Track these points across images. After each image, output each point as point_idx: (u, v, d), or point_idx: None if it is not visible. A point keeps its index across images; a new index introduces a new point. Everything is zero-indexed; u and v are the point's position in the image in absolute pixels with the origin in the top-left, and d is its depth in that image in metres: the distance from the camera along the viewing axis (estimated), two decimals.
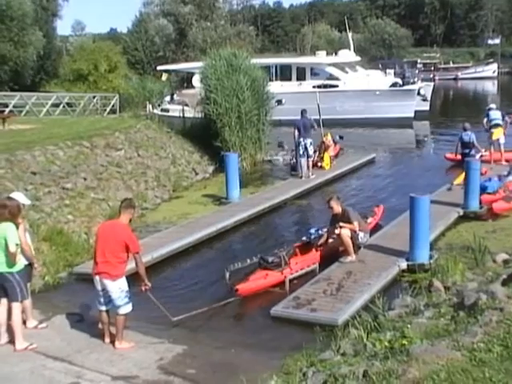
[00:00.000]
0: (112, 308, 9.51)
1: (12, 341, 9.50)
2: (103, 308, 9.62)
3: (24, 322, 10.00)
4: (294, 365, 8.49)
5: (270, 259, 12.57)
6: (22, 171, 16.37)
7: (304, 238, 14.07)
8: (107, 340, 9.69)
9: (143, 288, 9.68)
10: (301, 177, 22.25)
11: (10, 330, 9.58)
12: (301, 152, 22.25)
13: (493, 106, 24.38)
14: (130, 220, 9.83)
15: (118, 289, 9.34)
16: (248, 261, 12.82)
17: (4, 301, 9.60)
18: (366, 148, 28.98)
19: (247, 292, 11.87)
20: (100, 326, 9.84)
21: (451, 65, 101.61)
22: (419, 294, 10.71)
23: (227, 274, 12.31)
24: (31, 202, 12.67)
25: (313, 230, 14.23)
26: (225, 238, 16.22)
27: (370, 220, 15.47)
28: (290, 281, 12.32)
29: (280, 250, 12.83)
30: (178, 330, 10.33)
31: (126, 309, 9.46)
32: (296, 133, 22.30)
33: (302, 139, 22.11)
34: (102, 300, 9.56)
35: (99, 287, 9.47)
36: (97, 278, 9.43)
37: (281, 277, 12.37)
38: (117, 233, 9.42)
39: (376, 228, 15.51)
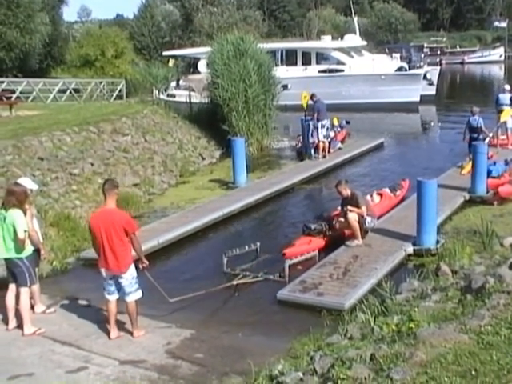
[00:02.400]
0: (121, 295, 9.32)
1: (20, 325, 9.57)
2: (113, 297, 9.35)
3: (32, 307, 10.05)
4: (301, 349, 8.51)
5: (313, 226, 13.60)
6: (29, 157, 16.39)
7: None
8: (114, 334, 9.39)
9: (141, 266, 9.48)
10: (315, 158, 22.58)
11: (18, 314, 9.64)
12: (319, 134, 22.54)
13: (507, 87, 24.17)
14: (117, 200, 9.57)
15: (129, 276, 9.21)
16: (246, 247, 12.85)
17: (12, 286, 9.67)
18: (372, 133, 28.84)
19: (293, 255, 12.66)
20: (107, 315, 9.54)
21: (458, 49, 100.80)
22: (426, 277, 10.68)
23: (225, 260, 12.36)
24: (39, 187, 12.69)
25: None
26: (232, 223, 16.25)
27: (398, 193, 16.43)
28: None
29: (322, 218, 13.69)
30: (186, 315, 10.34)
31: (137, 295, 9.32)
32: (315, 115, 22.66)
33: (319, 122, 22.52)
34: (111, 288, 9.32)
35: (108, 277, 9.26)
36: (106, 271, 9.21)
37: (322, 242, 13.40)
38: (114, 221, 9.07)
39: (403, 200, 16.11)
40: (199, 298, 10.82)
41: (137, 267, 9.42)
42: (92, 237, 9.37)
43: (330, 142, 23.36)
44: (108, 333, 9.39)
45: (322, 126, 22.57)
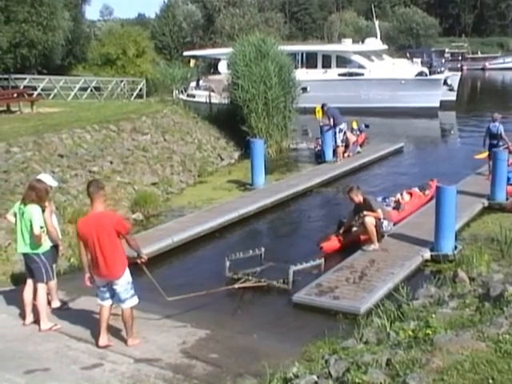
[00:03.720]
0: (117, 302, 8.93)
1: (37, 321, 9.61)
2: (106, 303, 8.90)
3: (49, 303, 10.09)
4: (316, 352, 8.49)
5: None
6: (49, 154, 16.52)
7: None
8: (103, 341, 8.91)
9: (139, 261, 9.29)
10: (333, 162, 22.47)
11: (35, 310, 9.70)
12: (337, 139, 22.59)
13: None
14: (104, 201, 9.01)
15: (124, 282, 8.77)
16: (250, 251, 12.58)
17: (30, 281, 9.72)
18: (391, 137, 28.70)
19: (329, 249, 13.26)
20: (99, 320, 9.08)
21: (479, 55, 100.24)
22: (443, 284, 10.62)
23: (227, 263, 12.06)
24: (58, 184, 12.76)
25: (380, 198, 15.11)
26: (247, 224, 16.26)
27: (427, 192, 16.56)
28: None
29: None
30: (201, 314, 10.34)
31: (133, 301, 8.91)
32: (331, 121, 22.64)
33: (337, 127, 22.60)
34: (106, 295, 8.88)
35: (101, 284, 8.83)
36: (99, 278, 8.79)
37: (356, 238, 13.56)
38: (105, 224, 8.56)
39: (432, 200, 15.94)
40: (216, 297, 10.88)
41: (136, 263, 9.35)
42: (82, 244, 8.73)
43: (346, 146, 23.30)
44: (124, 330, 9.38)
45: (340, 131, 22.56)
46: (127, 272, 8.83)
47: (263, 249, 12.74)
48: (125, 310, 8.89)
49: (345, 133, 22.91)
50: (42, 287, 9.60)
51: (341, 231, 13.71)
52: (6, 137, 17.03)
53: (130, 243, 8.95)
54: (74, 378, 7.96)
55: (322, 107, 23.59)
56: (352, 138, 24.21)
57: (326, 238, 13.71)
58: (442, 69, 42.83)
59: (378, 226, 13.13)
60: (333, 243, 13.50)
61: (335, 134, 22.53)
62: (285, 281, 11.53)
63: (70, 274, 12.40)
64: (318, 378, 6.88)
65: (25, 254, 9.70)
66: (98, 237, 8.49)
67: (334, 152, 22.93)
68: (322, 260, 12.33)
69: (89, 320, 9.84)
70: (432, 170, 20.95)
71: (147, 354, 8.71)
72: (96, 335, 9.16)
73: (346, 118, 24.70)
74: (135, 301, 8.96)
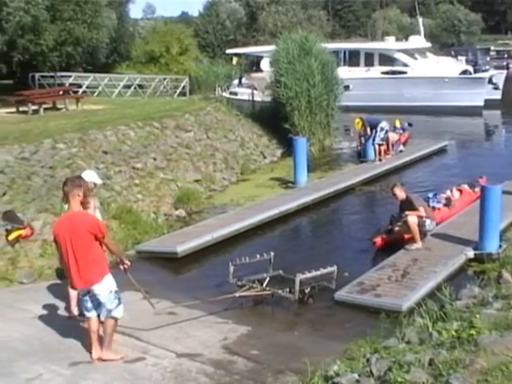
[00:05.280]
0: (101, 312, 8.24)
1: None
2: (92, 314, 8.25)
3: None
4: (357, 350, 8.43)
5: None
6: (94, 150, 16.73)
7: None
8: (95, 354, 8.30)
9: (122, 267, 8.66)
10: (373, 161, 22.32)
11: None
12: (377, 138, 22.46)
13: None
14: (82, 201, 8.15)
15: (106, 290, 8.04)
16: (258, 256, 11.71)
17: None
18: (434, 136, 28.38)
19: (382, 244, 13.25)
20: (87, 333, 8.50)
21: None
22: (487, 285, 10.47)
23: (231, 268, 11.25)
24: (102, 180, 12.91)
25: (430, 195, 15.10)
26: (287, 221, 16.27)
27: (476, 189, 16.16)
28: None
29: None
30: (242, 311, 10.39)
31: (118, 312, 8.21)
32: (368, 130, 22.69)
33: (378, 126, 22.46)
34: (88, 305, 8.21)
35: (82, 293, 8.22)
36: (73, 287, 8.28)
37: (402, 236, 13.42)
38: (77, 228, 7.81)
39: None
40: (257, 295, 10.82)
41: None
42: (58, 248, 8.13)
43: (389, 145, 23.11)
44: (167, 324, 9.44)
45: (381, 129, 22.36)
46: (108, 280, 8.09)
47: (272, 253, 11.74)
48: (108, 320, 8.19)
49: (386, 131, 22.71)
50: None
51: (389, 228, 13.69)
52: (51, 133, 17.29)
53: (110, 248, 8.36)
54: (117, 371, 8.05)
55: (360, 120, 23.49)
56: (395, 136, 24.00)
57: (379, 233, 13.72)
58: (487, 67, 42.12)
59: (421, 224, 13.03)
60: (385, 238, 13.56)
61: (376, 132, 22.36)
62: (291, 290, 10.64)
63: (113, 269, 12.49)
64: (359, 376, 6.85)
65: None
66: (70, 240, 7.80)
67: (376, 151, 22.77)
68: (335, 267, 11.23)
69: (131, 314, 9.92)
70: (477, 169, 20.61)
71: (189, 349, 8.78)
72: (137, 329, 9.27)
73: (389, 117, 24.53)
74: (120, 312, 8.24)
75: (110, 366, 8.17)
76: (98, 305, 8.15)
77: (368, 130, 22.59)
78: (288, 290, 10.65)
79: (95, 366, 8.18)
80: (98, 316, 8.25)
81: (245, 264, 11.48)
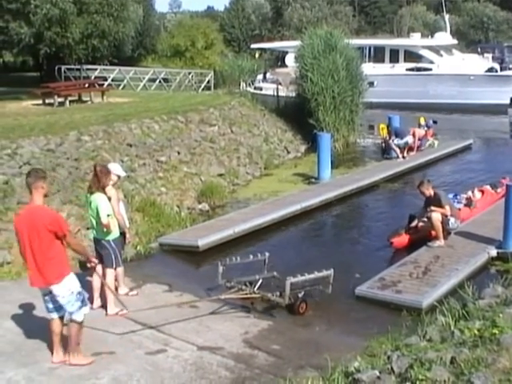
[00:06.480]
0: (64, 314, 7.91)
1: (104, 305, 9.84)
2: (53, 315, 7.87)
3: (116, 289, 10.29)
4: (378, 347, 8.44)
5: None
6: (118, 143, 16.82)
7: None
8: (57, 357, 7.96)
9: (89, 265, 8.48)
10: (397, 158, 22.22)
11: (102, 295, 9.93)
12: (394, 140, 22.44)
13: None
14: (46, 194, 7.72)
15: (66, 291, 7.61)
16: (251, 256, 11.30)
17: (99, 267, 9.93)
18: (459, 134, 28.16)
19: (400, 245, 13.16)
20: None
21: None
22: (511, 284, 10.41)
23: (220, 269, 10.71)
24: (126, 173, 13.00)
25: (451, 195, 14.89)
26: (309, 217, 16.25)
27: (499, 190, 16.16)
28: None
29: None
30: (263, 305, 10.39)
31: (80, 315, 7.80)
32: (393, 137, 22.61)
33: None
34: (49, 306, 7.82)
35: (43, 292, 7.81)
36: (34, 286, 7.79)
37: (428, 233, 13.22)
38: (36, 224, 7.36)
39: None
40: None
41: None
42: (18, 242, 7.77)
43: (410, 148, 23.00)
44: (188, 317, 9.48)
45: (406, 143, 22.38)
46: (69, 280, 7.65)
47: (267, 254, 11.28)
48: (71, 324, 7.81)
49: (407, 143, 22.57)
50: (110, 273, 9.82)
51: (411, 225, 13.57)
52: (77, 125, 17.42)
53: (73, 247, 7.87)
54: (138, 362, 8.12)
55: (387, 126, 23.38)
56: (421, 132, 23.81)
57: (397, 233, 13.50)
58: None
59: (444, 222, 12.95)
60: (404, 238, 13.38)
61: (399, 140, 22.35)
62: (282, 294, 10.06)
63: (136, 261, 12.64)
64: (380, 373, 6.85)
65: (96, 240, 9.93)
66: (28, 236, 7.41)
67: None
68: (331, 271, 10.50)
69: (153, 306, 10.00)
70: (502, 168, 20.43)
71: (210, 343, 8.82)
72: (159, 321, 9.33)
73: (413, 114, 24.41)
74: (82, 315, 7.85)
75: (132, 357, 8.25)
76: (59, 307, 7.75)
77: (393, 137, 22.46)
78: (279, 293, 10.13)
79: (117, 356, 8.25)
80: (62, 318, 7.91)
81: (243, 263, 11.14)
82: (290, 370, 8.02)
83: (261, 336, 9.19)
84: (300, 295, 10.18)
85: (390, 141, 22.41)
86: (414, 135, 23.07)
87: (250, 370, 8.01)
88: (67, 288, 7.59)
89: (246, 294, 10.31)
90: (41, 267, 7.44)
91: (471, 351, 6.59)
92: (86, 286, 10.24)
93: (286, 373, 7.88)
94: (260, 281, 10.70)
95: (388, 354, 7.76)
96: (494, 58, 42.70)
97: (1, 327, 8.99)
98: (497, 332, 7.11)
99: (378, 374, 6.82)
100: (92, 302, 9.90)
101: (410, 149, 22.84)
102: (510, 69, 39.87)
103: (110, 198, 9.74)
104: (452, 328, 8.23)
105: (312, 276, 10.35)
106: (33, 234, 7.35)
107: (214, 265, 11.39)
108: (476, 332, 7.46)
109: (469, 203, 15.26)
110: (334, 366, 7.55)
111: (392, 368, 6.84)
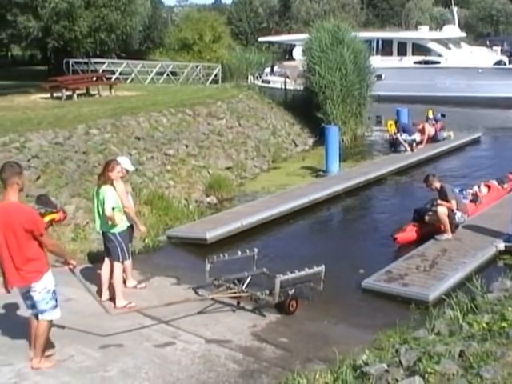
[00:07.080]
0: (35, 312, 7.52)
1: (112, 298, 9.86)
2: (31, 312, 7.61)
3: (124, 282, 10.32)
4: (386, 340, 8.43)
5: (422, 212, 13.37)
6: (126, 136, 16.85)
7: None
8: (31, 355, 7.67)
9: (67, 267, 7.95)
10: (405, 151, 22.19)
11: (111, 288, 9.95)
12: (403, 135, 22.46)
13: None
14: (21, 189, 7.34)
15: (42, 288, 7.31)
16: (239, 253, 10.93)
17: (107, 260, 9.98)
18: (467, 127, 28.03)
19: (404, 241, 12.97)
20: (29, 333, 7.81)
21: None
22: None
23: (208, 267, 10.34)
24: (134, 166, 13.01)
25: (457, 190, 14.63)
26: (317, 210, 16.26)
27: (505, 185, 16.20)
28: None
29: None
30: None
31: (53, 314, 7.49)
32: (400, 132, 22.59)
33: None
34: (28, 303, 7.54)
35: (20, 291, 7.52)
36: (8, 286, 7.43)
37: (432, 229, 13.07)
38: (11, 222, 7.03)
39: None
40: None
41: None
42: None
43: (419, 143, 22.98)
44: (196, 310, 9.49)
45: (413, 140, 22.35)
46: (46, 279, 7.34)
47: (256, 250, 11.00)
48: (40, 321, 7.43)
49: (414, 140, 22.53)
50: (118, 266, 9.83)
51: (412, 223, 13.49)
52: (85, 119, 17.45)
53: (49, 248, 7.40)
54: (147, 354, 8.14)
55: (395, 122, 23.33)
56: (431, 130, 23.69)
57: (401, 228, 13.33)
58: None
59: (451, 216, 12.92)
60: (408, 234, 13.22)
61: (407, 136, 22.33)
62: (271, 292, 9.68)
63: (144, 254, 12.67)
64: (388, 366, 6.84)
65: (103, 233, 9.95)
66: (4, 234, 7.07)
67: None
68: (322, 267, 10.29)
69: (162, 299, 10.03)
70: (510, 161, 20.41)
71: (218, 336, 8.83)
72: (167, 314, 9.34)
73: (421, 107, 24.33)
74: (57, 314, 7.54)
75: (140, 350, 8.27)
76: (33, 304, 7.45)
77: (402, 133, 22.41)
78: (268, 292, 9.74)
79: (125, 349, 8.27)
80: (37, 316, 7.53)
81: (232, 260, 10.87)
82: (298, 362, 8.03)
83: (269, 329, 9.19)
84: (290, 292, 9.91)
85: (398, 134, 22.35)
86: (422, 130, 23.01)
87: (258, 363, 8.01)
88: (43, 285, 7.30)
89: (235, 292, 9.96)
90: (19, 267, 7.14)
91: (480, 345, 6.57)
92: (95, 278, 10.35)
93: (293, 366, 7.87)
94: (249, 278, 10.25)
95: (396, 347, 7.76)
96: (502, 51, 42.46)
97: (10, 320, 9.02)
98: (506, 325, 7.09)
99: (386, 367, 6.81)
100: (100, 295, 9.94)
101: (420, 143, 22.80)
102: None
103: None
104: (460, 321, 8.21)
105: (303, 273, 10.10)
106: (8, 233, 7.03)
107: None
108: (485, 325, 7.44)
109: (475, 199, 15.12)
110: (341, 359, 7.54)
111: (400, 361, 6.82)
